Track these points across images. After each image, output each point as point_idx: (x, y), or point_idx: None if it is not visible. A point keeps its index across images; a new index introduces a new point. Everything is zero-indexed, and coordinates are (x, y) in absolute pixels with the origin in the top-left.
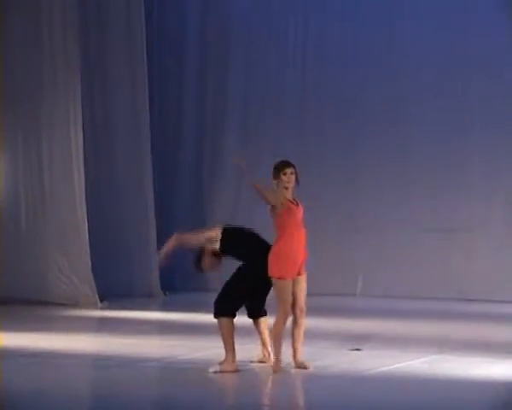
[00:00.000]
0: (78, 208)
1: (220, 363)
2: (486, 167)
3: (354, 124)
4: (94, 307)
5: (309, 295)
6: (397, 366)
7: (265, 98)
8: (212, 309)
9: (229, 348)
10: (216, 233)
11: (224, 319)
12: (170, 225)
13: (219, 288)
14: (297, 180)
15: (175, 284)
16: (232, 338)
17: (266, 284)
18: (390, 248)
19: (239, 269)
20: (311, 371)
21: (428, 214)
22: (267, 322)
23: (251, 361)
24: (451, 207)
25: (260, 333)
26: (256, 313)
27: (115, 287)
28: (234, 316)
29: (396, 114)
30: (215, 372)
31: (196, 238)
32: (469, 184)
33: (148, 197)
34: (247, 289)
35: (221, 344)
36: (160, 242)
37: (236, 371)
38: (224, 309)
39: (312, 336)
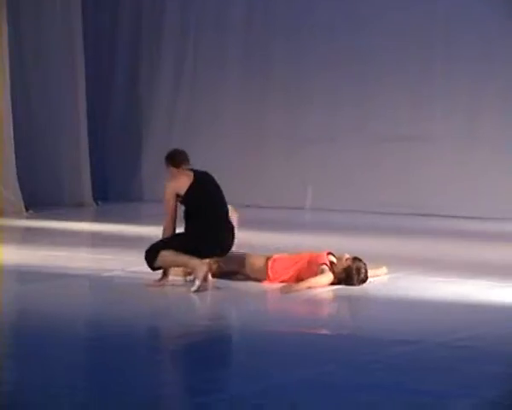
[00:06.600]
0: (4, 105)
1: (159, 279)
2: (449, 77)
3: (305, 24)
4: (19, 215)
5: (254, 207)
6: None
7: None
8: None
9: (183, 261)
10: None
11: (163, 252)
12: (103, 128)
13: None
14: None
15: (108, 194)
16: (179, 255)
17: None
18: (342, 158)
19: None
20: (248, 289)
21: (385, 122)
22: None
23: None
24: (410, 115)
25: None
26: None
27: (43, 195)
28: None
29: (352, 18)
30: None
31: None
32: (430, 93)
33: (79, 98)
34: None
35: None
36: (92, 146)
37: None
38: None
39: (255, 251)
